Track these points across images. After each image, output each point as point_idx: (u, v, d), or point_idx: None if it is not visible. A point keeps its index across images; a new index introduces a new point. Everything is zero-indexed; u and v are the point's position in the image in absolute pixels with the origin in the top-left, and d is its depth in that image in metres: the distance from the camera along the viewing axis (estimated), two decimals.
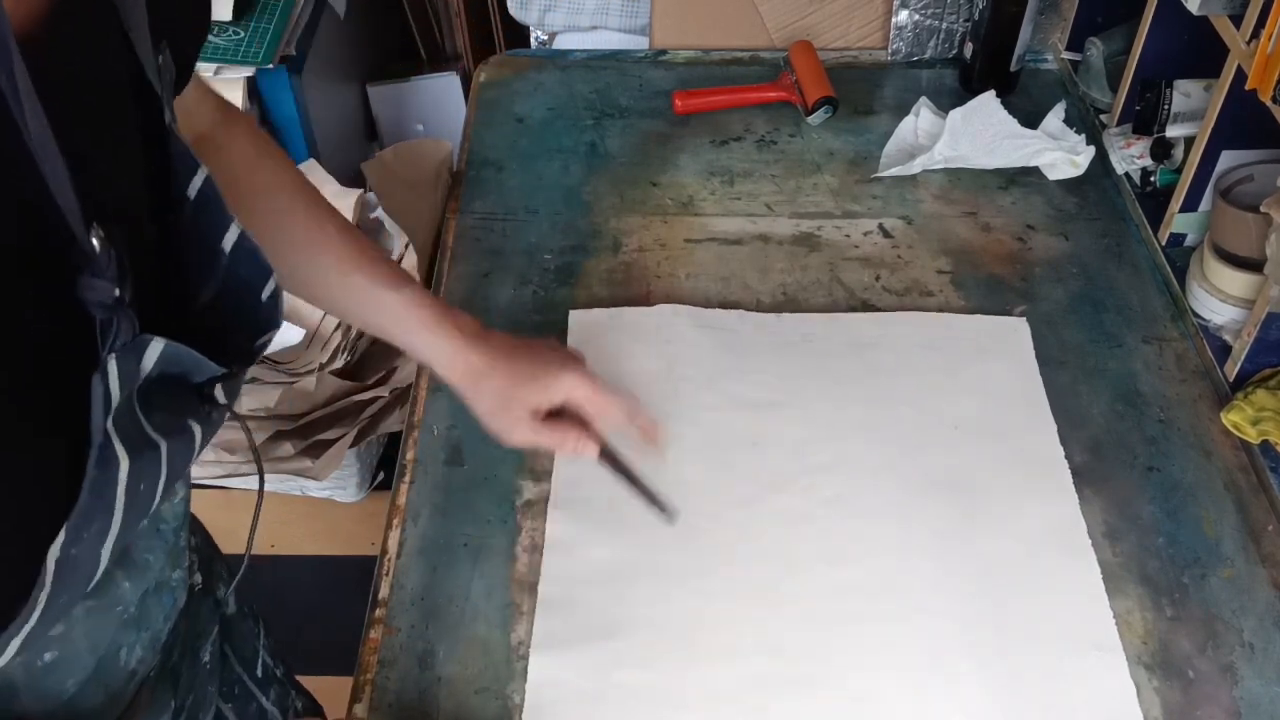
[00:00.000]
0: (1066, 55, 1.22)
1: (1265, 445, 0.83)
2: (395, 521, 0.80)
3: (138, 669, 0.59)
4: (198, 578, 0.68)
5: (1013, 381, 0.89)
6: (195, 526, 0.72)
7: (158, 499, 0.46)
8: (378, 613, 0.75)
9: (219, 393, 0.49)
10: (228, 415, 0.53)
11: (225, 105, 0.68)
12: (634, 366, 0.90)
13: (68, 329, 0.40)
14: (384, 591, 0.76)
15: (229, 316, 0.49)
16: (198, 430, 0.48)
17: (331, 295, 0.74)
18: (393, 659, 0.72)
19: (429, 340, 0.74)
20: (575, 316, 0.93)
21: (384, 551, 0.79)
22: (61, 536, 0.40)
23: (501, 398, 0.74)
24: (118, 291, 0.39)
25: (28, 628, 0.42)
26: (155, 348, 0.41)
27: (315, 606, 1.57)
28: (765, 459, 0.83)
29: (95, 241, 0.39)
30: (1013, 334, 0.92)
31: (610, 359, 0.90)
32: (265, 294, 0.50)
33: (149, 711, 0.62)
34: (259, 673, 0.80)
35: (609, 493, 0.81)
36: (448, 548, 0.78)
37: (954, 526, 0.78)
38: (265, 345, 0.51)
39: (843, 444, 0.84)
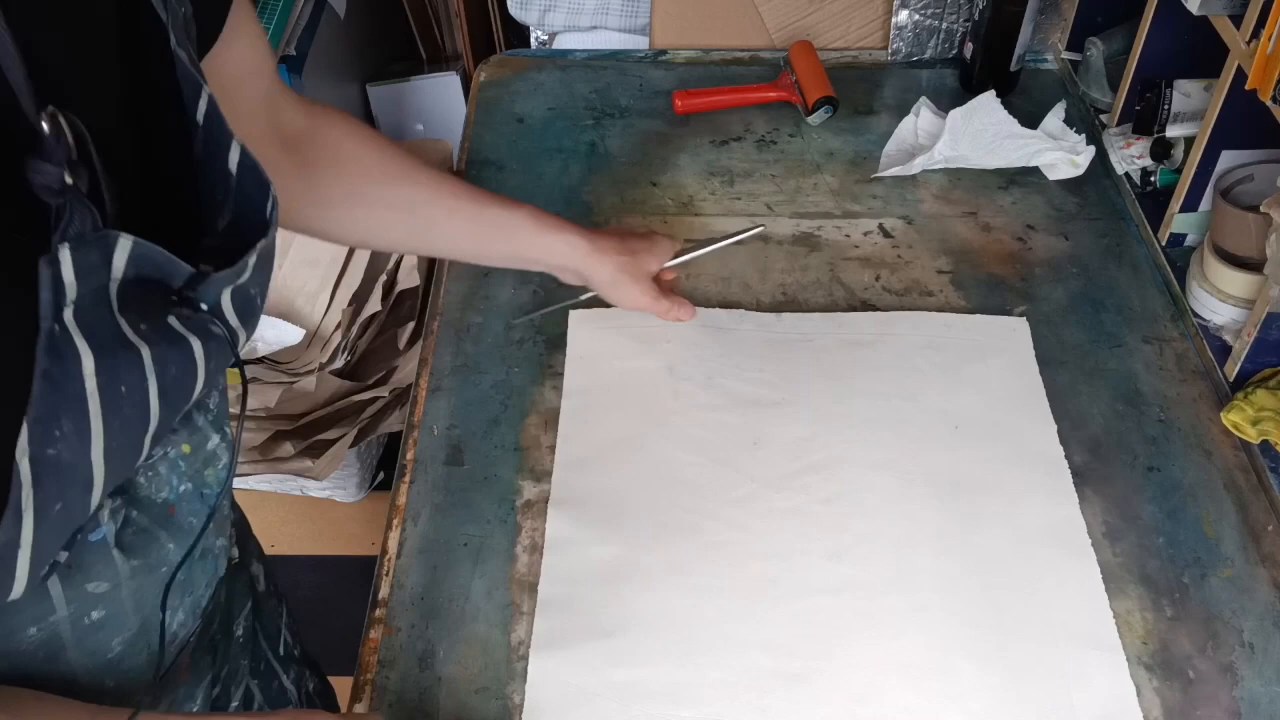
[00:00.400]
0: (1066, 55, 1.22)
1: (1265, 445, 0.83)
2: (395, 521, 0.80)
3: (179, 632, 0.60)
4: (235, 551, 0.69)
5: (1013, 381, 0.89)
6: (233, 503, 0.74)
7: (153, 412, 0.46)
8: (378, 613, 0.75)
9: (228, 310, 0.49)
10: (245, 337, 0.52)
11: (311, 104, 0.74)
12: (634, 366, 0.90)
13: (27, 220, 0.39)
14: (384, 591, 0.76)
15: (242, 238, 0.49)
16: (196, 344, 0.47)
17: (468, 232, 0.84)
18: (393, 659, 0.72)
19: (564, 239, 0.86)
20: (575, 316, 0.93)
21: (384, 551, 0.79)
22: (25, 433, 0.39)
23: (629, 268, 0.88)
24: (68, 178, 0.39)
25: (26, 534, 0.41)
26: (124, 245, 0.41)
27: (315, 606, 1.57)
28: (765, 457, 0.83)
29: (45, 124, 0.38)
30: (1012, 334, 0.92)
31: (611, 358, 0.90)
32: (268, 209, 0.50)
33: (190, 678, 0.63)
34: (281, 651, 0.81)
35: (609, 492, 0.81)
36: (448, 548, 0.78)
37: (954, 526, 0.78)
38: (261, 253, 0.50)
39: (843, 442, 0.84)
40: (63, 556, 0.48)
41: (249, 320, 0.52)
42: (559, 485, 0.82)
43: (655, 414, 0.86)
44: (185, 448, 0.55)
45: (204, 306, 0.47)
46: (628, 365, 0.90)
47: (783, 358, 0.90)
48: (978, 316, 0.94)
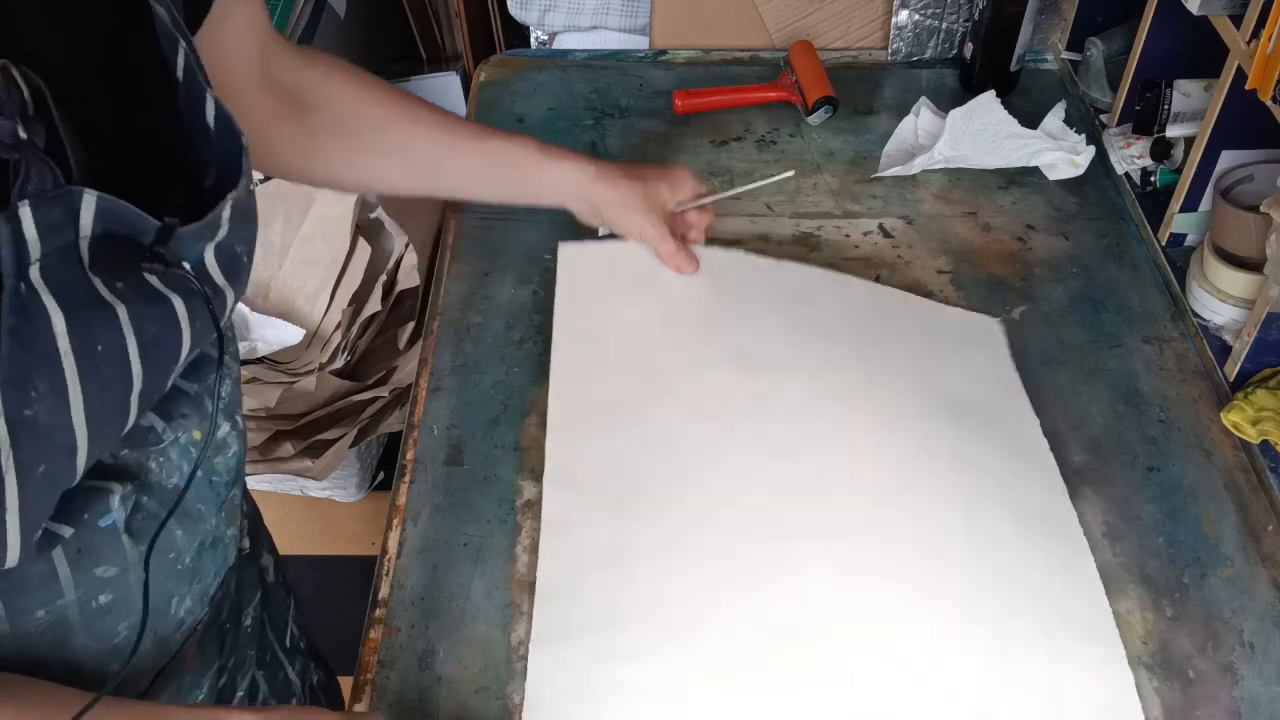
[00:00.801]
0: (1066, 55, 1.22)
1: (1265, 445, 0.83)
2: (395, 521, 0.80)
3: (185, 619, 0.60)
4: (246, 542, 0.69)
5: (991, 374, 0.88)
6: (246, 494, 0.74)
7: (135, 371, 0.45)
8: (378, 613, 0.75)
9: (212, 268, 0.48)
10: (234, 298, 0.52)
11: (306, 53, 0.74)
12: (628, 311, 0.86)
13: None
14: (384, 591, 0.76)
15: (225, 192, 0.49)
16: (178, 302, 0.47)
17: (472, 168, 0.83)
18: (393, 659, 0.72)
19: (571, 165, 0.84)
20: (565, 250, 0.90)
21: (384, 551, 0.79)
22: None
23: (640, 196, 0.86)
24: (22, 132, 0.39)
25: (11, 497, 0.41)
26: (89, 201, 0.40)
27: (315, 606, 1.57)
28: (766, 427, 0.80)
29: None
30: (990, 333, 0.92)
31: (603, 301, 0.87)
32: (244, 161, 0.50)
33: (196, 666, 0.63)
34: (287, 643, 0.81)
35: (605, 465, 0.78)
36: (448, 548, 0.78)
37: (956, 515, 0.77)
38: (236, 206, 0.50)
39: (844, 415, 0.81)
40: (67, 532, 0.48)
41: (236, 279, 0.51)
42: (553, 458, 0.79)
43: (651, 370, 0.83)
44: (196, 434, 0.55)
45: (186, 265, 0.46)
46: (620, 310, 0.86)
47: (782, 309, 0.87)
48: (956, 312, 0.93)
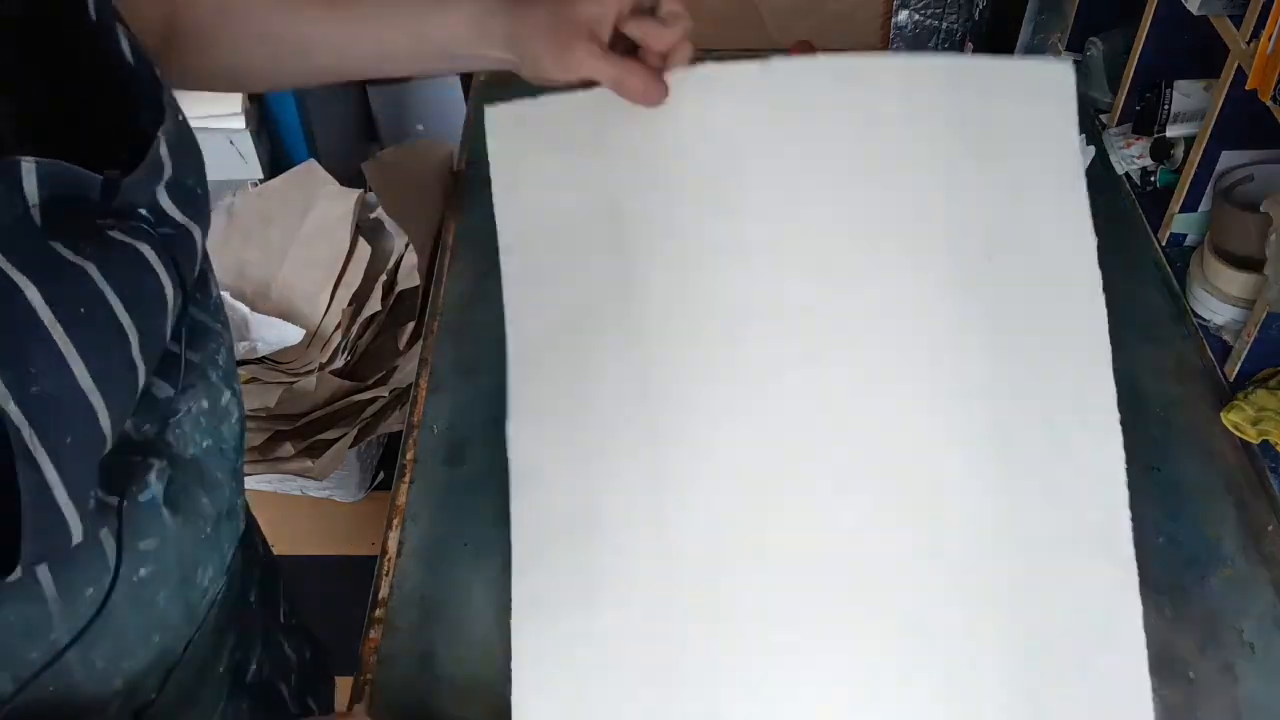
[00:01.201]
0: (1066, 55, 1.22)
1: (1265, 445, 0.83)
2: (395, 521, 0.80)
3: (210, 588, 0.60)
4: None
5: (1052, 169, 0.67)
6: None
7: (127, 326, 0.45)
8: (378, 613, 0.75)
9: (170, 209, 0.48)
10: (200, 233, 0.51)
11: None
12: (572, 201, 0.67)
13: None
14: (384, 591, 0.76)
15: (156, 130, 0.48)
16: (147, 249, 0.46)
17: (362, 44, 0.70)
18: (393, 659, 0.72)
19: (459, 15, 0.66)
20: (494, 115, 0.69)
21: (384, 551, 0.79)
22: None
23: (553, 24, 0.64)
24: None
25: (51, 474, 0.41)
26: (29, 168, 0.40)
27: (315, 606, 1.57)
28: (749, 339, 0.64)
29: None
30: (1057, 88, 0.65)
31: (544, 186, 0.68)
32: (164, 94, 0.49)
33: (218, 637, 0.64)
34: (281, 619, 0.82)
35: (573, 402, 0.66)
36: (448, 548, 0.78)
37: (985, 452, 0.66)
38: (170, 140, 0.48)
39: (846, 308, 0.65)
40: (116, 502, 0.48)
41: (197, 214, 0.50)
42: (516, 395, 0.65)
43: (607, 278, 0.66)
44: (204, 402, 0.55)
45: (142, 212, 0.46)
46: (564, 200, 0.67)
47: (767, 155, 0.65)
48: (1006, 66, 0.68)
